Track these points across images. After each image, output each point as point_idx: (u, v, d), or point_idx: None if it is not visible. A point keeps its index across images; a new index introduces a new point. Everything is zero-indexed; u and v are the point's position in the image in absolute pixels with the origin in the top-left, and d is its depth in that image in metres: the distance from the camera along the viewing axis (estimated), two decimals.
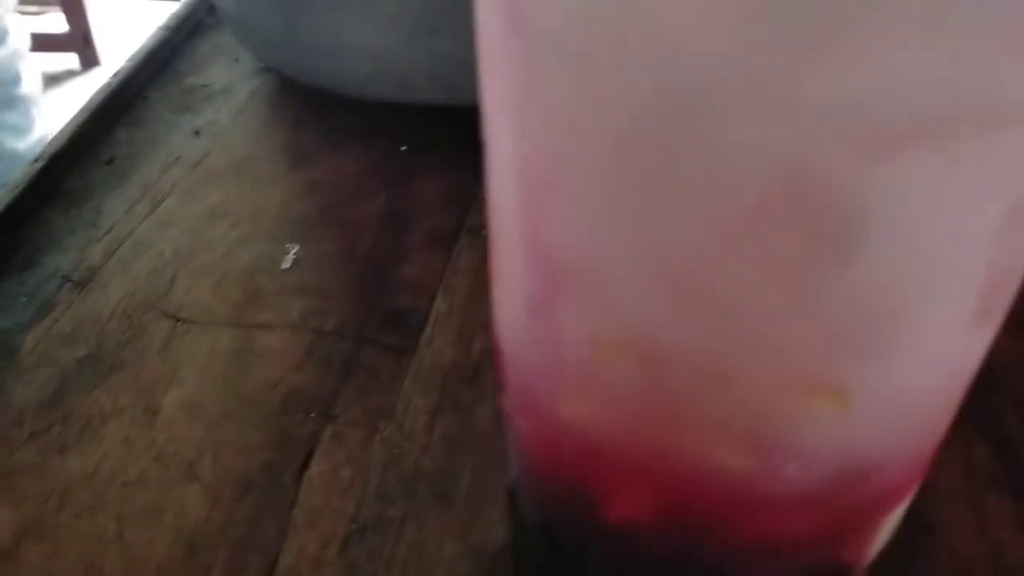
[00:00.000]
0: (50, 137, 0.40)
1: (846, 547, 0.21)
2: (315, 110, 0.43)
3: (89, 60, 1.81)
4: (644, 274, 0.17)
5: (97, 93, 0.42)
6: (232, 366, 0.32)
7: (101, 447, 0.30)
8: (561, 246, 0.18)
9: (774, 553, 0.20)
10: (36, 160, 0.39)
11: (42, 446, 0.30)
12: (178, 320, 0.34)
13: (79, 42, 1.79)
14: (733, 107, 0.14)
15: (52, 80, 1.73)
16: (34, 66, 0.90)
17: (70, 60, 1.82)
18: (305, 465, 0.29)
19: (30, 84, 0.87)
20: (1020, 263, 0.17)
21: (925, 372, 0.18)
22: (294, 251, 0.37)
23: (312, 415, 0.31)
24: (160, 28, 0.46)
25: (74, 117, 0.41)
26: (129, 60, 0.44)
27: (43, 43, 1.44)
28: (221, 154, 0.41)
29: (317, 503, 0.29)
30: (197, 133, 0.42)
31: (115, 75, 0.43)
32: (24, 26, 0.89)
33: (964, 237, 0.16)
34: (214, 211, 0.38)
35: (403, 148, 0.41)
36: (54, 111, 0.87)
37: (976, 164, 0.15)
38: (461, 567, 0.26)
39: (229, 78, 0.45)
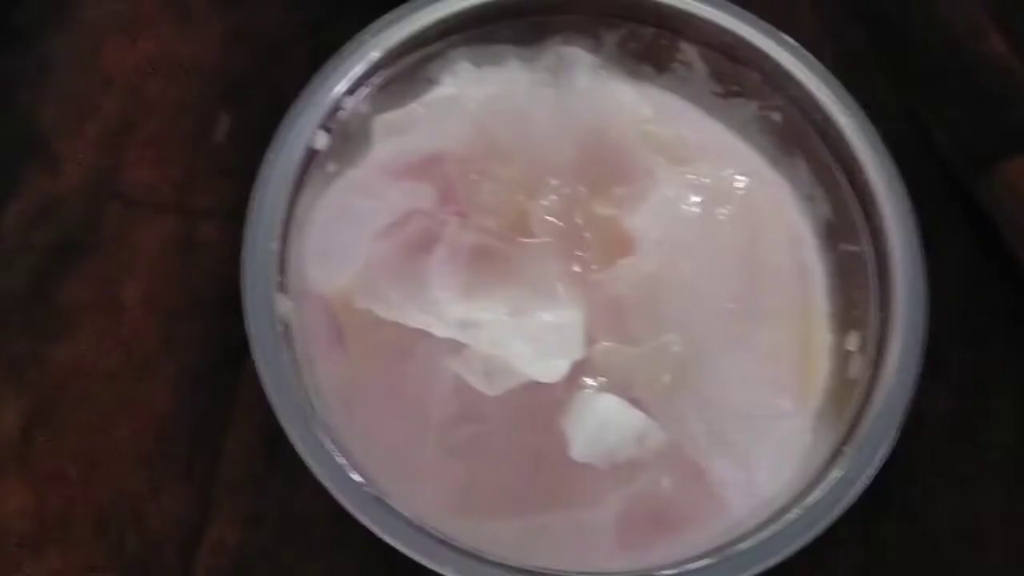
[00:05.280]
0: None
1: None
2: None
3: None
4: None
5: None
6: (178, 257, 0.39)
7: (81, 339, 0.37)
8: None
9: None
10: None
11: (34, 336, 0.38)
12: (129, 203, 0.40)
13: None
14: None
15: None
16: None
17: None
18: (242, 361, 0.38)
19: None
20: None
21: None
22: (226, 119, 0.41)
23: None
24: None
25: None
26: None
27: None
28: None
29: (252, 399, 0.37)
30: None
31: None
32: None
33: None
34: (150, 64, 0.42)
35: None
36: None
37: None
38: None
39: None
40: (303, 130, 0.21)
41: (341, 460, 0.19)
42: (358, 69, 0.22)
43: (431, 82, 0.24)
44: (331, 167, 0.23)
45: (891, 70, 0.39)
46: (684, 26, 0.24)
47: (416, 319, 0.21)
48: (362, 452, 0.20)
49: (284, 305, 0.21)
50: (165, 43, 0.42)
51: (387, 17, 0.22)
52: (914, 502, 0.34)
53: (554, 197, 0.23)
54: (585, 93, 0.24)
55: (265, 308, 0.20)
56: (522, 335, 0.21)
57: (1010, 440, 0.36)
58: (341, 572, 0.32)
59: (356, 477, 0.19)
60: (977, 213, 0.38)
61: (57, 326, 0.37)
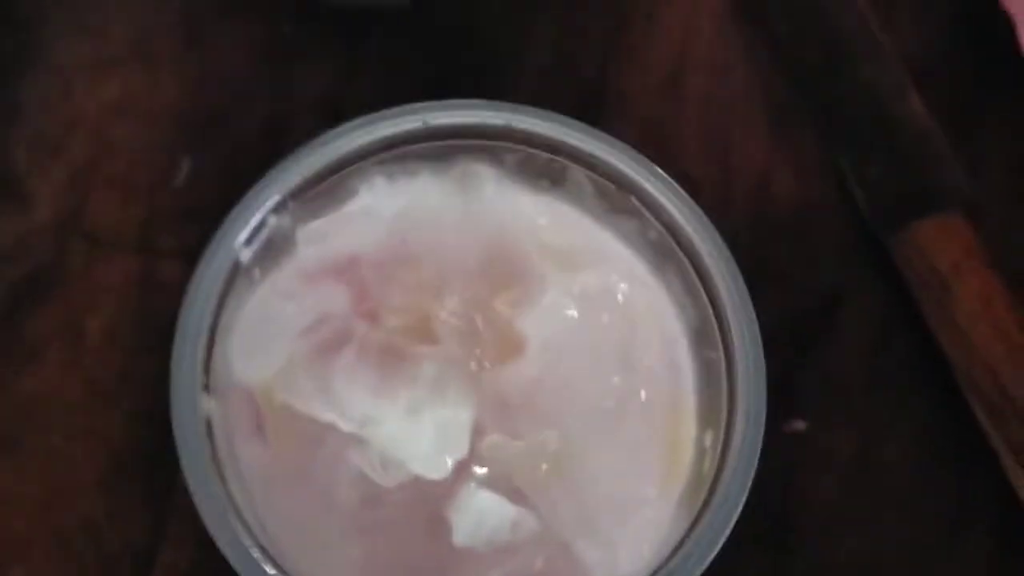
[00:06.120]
0: None
1: None
2: None
3: None
4: None
5: None
6: (140, 295, 0.41)
7: (46, 369, 0.40)
8: None
9: None
10: None
11: (3, 366, 0.40)
12: (94, 241, 0.42)
13: None
14: None
15: None
16: None
17: None
18: None
19: None
20: None
21: None
22: (186, 164, 0.44)
23: None
24: None
25: None
26: None
27: None
28: (121, 26, 0.45)
29: None
30: None
31: None
32: None
33: None
34: (116, 106, 0.44)
35: (286, 30, 0.46)
36: None
37: None
38: None
39: None
40: (229, 247, 0.25)
41: (255, 553, 0.22)
42: (283, 190, 0.25)
43: (350, 193, 0.27)
44: (256, 273, 0.26)
45: (817, 126, 0.40)
46: (572, 155, 0.27)
47: (324, 414, 0.24)
48: (277, 529, 0.24)
49: (208, 404, 0.24)
50: (132, 87, 0.44)
51: (312, 143, 0.25)
52: (818, 537, 0.37)
53: (456, 299, 0.26)
54: (489, 203, 0.27)
55: (190, 411, 0.23)
56: (415, 433, 0.24)
57: (907, 481, 0.39)
58: None
59: (271, 571, 0.22)
60: (891, 267, 0.40)
61: (23, 357, 0.39)
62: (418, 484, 0.24)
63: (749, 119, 0.44)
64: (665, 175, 0.26)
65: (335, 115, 0.43)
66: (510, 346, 0.25)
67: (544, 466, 0.25)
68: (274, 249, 0.26)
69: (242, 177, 0.43)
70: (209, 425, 0.23)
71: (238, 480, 0.24)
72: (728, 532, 0.23)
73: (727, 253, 0.25)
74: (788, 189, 0.43)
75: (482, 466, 0.25)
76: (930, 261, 0.38)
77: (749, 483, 0.24)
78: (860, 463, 0.39)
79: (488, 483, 0.25)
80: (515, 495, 0.25)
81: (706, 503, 0.24)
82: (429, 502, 0.24)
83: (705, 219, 0.26)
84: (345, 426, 0.24)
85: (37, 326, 0.40)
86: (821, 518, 0.38)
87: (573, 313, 0.26)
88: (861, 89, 0.42)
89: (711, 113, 0.44)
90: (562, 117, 0.26)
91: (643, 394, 0.26)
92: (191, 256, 0.41)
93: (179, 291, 0.41)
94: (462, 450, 0.25)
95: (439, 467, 0.24)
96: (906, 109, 0.42)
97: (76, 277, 0.41)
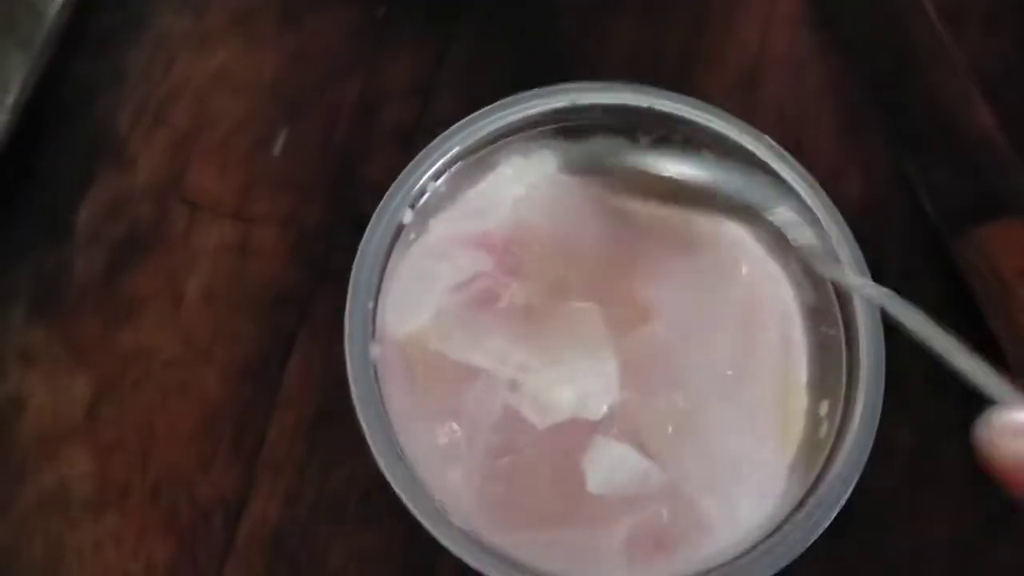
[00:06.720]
0: None
1: None
2: None
3: None
4: None
5: None
6: (236, 259, 0.41)
7: (144, 326, 0.39)
8: None
9: None
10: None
11: (103, 321, 0.38)
12: (192, 206, 0.44)
13: None
14: None
15: None
16: None
17: None
18: (287, 356, 0.42)
19: None
20: None
21: None
22: (283, 135, 0.46)
23: (294, 312, 0.38)
24: None
25: None
26: None
27: None
28: (222, 3, 0.47)
29: (295, 390, 0.38)
30: None
31: None
32: None
33: None
34: (217, 77, 0.46)
35: (381, 13, 0.48)
36: None
37: None
38: None
39: None
40: (397, 209, 0.27)
41: (420, 485, 0.24)
42: (442, 160, 0.28)
43: (493, 165, 0.29)
44: (412, 235, 0.28)
45: (886, 130, 0.42)
46: (708, 138, 0.29)
47: (481, 360, 0.26)
48: (423, 471, 0.25)
49: (375, 351, 0.26)
50: (232, 60, 0.45)
51: (470, 118, 0.27)
52: (875, 525, 0.38)
53: (588, 268, 0.28)
54: (616, 180, 0.29)
55: (362, 355, 0.25)
56: (567, 380, 0.26)
57: (957, 476, 0.40)
58: (367, 547, 0.36)
59: (437, 506, 0.24)
60: (953, 268, 0.41)
61: (123, 313, 0.40)
62: (558, 434, 0.26)
63: (821, 120, 0.46)
64: (794, 160, 0.28)
65: (425, 96, 0.45)
66: (637, 314, 0.27)
67: (671, 426, 0.26)
68: (426, 214, 0.28)
69: (335, 150, 0.45)
70: (376, 370, 0.25)
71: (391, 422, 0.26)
72: (847, 496, 0.25)
73: (850, 235, 0.27)
74: (856, 189, 0.44)
75: (615, 424, 0.27)
76: (993, 265, 0.39)
77: (869, 448, 0.26)
78: (917, 457, 0.40)
79: (618, 438, 0.27)
80: (643, 450, 0.27)
81: (826, 467, 0.26)
82: (567, 452, 0.26)
83: (830, 202, 0.28)
84: (501, 372, 0.26)
85: (136, 285, 0.41)
86: (876, 507, 0.39)
87: (696, 288, 0.28)
88: (929, 96, 0.43)
89: (784, 113, 0.45)
90: (701, 102, 0.28)
91: (759, 365, 0.28)
92: (285, 222, 0.43)
93: (272, 255, 0.43)
94: (614, 394, 0.27)
95: (593, 410, 0.26)
96: (973, 117, 0.43)
97: (175, 239, 0.42)
